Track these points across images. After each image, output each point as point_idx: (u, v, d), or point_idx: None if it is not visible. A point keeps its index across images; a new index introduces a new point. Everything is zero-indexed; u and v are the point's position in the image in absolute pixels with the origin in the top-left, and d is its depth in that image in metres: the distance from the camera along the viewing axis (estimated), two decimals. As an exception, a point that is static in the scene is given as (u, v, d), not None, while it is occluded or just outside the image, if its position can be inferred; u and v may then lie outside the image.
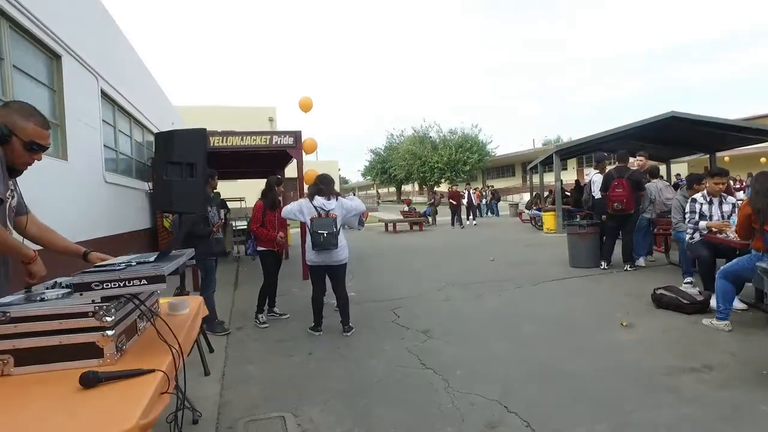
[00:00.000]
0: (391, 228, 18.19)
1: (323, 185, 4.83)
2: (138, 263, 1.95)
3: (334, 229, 4.57)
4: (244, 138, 8.19)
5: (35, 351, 1.67)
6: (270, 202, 5.42)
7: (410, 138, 45.04)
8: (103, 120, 7.68)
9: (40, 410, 1.39)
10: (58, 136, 6.01)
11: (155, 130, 10.71)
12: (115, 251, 6.42)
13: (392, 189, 58.51)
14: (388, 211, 28.59)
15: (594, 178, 8.41)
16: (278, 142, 8.32)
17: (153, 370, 1.61)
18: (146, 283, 1.75)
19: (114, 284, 1.72)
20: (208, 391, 3.44)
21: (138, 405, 1.37)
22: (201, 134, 4.03)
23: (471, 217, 19.61)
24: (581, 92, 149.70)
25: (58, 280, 2.13)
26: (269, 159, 10.23)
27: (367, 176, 57.76)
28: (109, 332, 1.71)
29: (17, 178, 2.18)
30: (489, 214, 25.57)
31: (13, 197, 2.12)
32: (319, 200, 4.72)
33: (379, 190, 61.81)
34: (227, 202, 12.51)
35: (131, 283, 1.73)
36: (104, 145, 7.68)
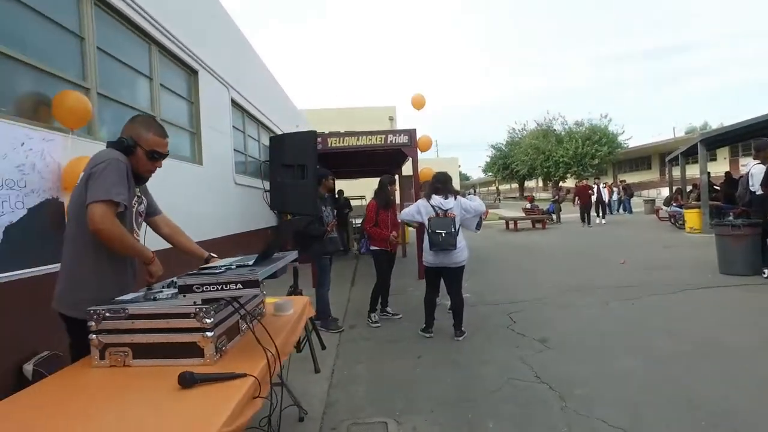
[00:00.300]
0: (511, 226, 17.47)
1: (439, 184, 4.70)
2: (238, 266, 1.99)
3: (453, 229, 4.42)
4: (360, 138, 8.37)
5: (149, 346, 1.78)
6: (383, 201, 5.43)
7: (533, 132, 42.96)
8: (233, 126, 8.37)
9: (139, 404, 1.46)
10: (195, 143, 6.66)
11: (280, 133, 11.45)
12: (245, 248, 6.91)
13: (514, 185, 56.39)
14: (509, 208, 27.57)
15: (753, 170, 7.13)
16: (393, 141, 8.36)
17: (245, 375, 1.61)
18: (241, 287, 1.77)
19: (212, 287, 1.76)
20: (317, 388, 3.51)
21: (224, 411, 1.37)
22: (311, 136, 4.18)
23: (600, 214, 17.98)
24: (732, 71, 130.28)
25: (174, 279, 2.27)
26: (386, 158, 10.36)
27: (488, 172, 56.44)
28: (209, 333, 1.76)
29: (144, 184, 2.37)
30: (620, 211, 23.35)
31: (140, 203, 2.32)
32: (436, 199, 4.60)
33: (500, 187, 59.99)
34: (350, 200, 12.99)
35: (228, 287, 1.77)
36: (234, 149, 8.37)
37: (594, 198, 17.49)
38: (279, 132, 11.76)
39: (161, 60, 5.63)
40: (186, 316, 1.76)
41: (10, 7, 3.31)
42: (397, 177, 13.62)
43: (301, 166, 3.97)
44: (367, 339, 4.82)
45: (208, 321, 1.76)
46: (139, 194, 2.31)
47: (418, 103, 8.93)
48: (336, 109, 30.97)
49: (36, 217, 3.15)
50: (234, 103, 8.47)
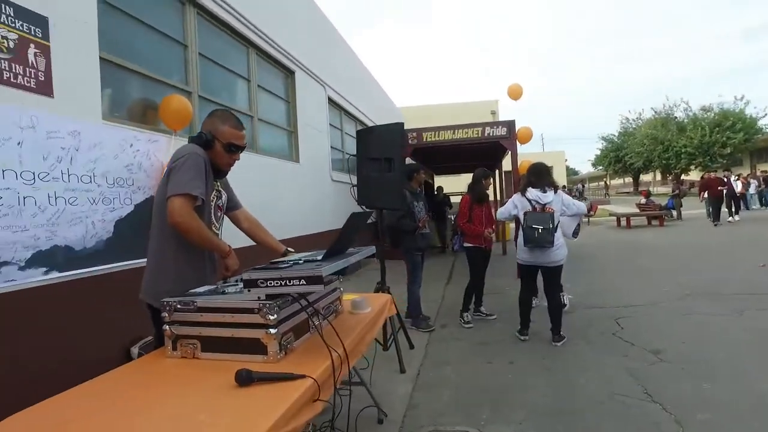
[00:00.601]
0: (624, 222, 16.01)
1: (534, 176, 4.36)
2: (306, 261, 1.92)
3: (551, 225, 4.07)
4: (456, 131, 8.12)
5: (215, 340, 1.77)
6: (477, 196, 5.17)
7: (649, 121, 39.16)
8: (330, 124, 8.56)
9: (196, 399, 1.43)
10: (292, 141, 6.90)
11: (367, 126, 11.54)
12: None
13: (628, 179, 51.91)
14: (621, 204, 25.35)
15: None
16: (491, 134, 8.00)
17: (304, 376, 1.53)
18: (305, 283, 1.68)
19: (276, 282, 1.70)
20: (400, 389, 3.39)
21: (275, 413, 1.29)
22: (398, 128, 4.05)
23: (733, 210, 15.60)
24: None
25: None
26: (485, 152, 9.98)
27: (598, 166, 52.58)
28: (272, 330, 1.70)
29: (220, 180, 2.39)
30: (759, 205, 20.36)
31: (220, 196, 2.35)
32: (533, 193, 4.27)
33: (613, 181, 55.62)
34: (449, 197, 12.75)
35: (291, 283, 1.69)
36: (331, 147, 8.56)
37: (726, 192, 15.30)
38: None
39: (259, 62, 5.87)
40: (250, 311, 1.72)
41: (122, 20, 3.60)
42: (497, 171, 13.22)
43: (387, 159, 3.86)
44: (457, 340, 4.60)
45: (271, 317, 1.70)
46: (219, 188, 2.34)
47: (515, 93, 8.45)
48: (435, 105, 30.74)
49: (141, 212, 3.39)
50: (331, 101, 8.67)
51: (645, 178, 48.56)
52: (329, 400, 1.67)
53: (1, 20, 2.52)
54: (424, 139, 8.03)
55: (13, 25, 2.59)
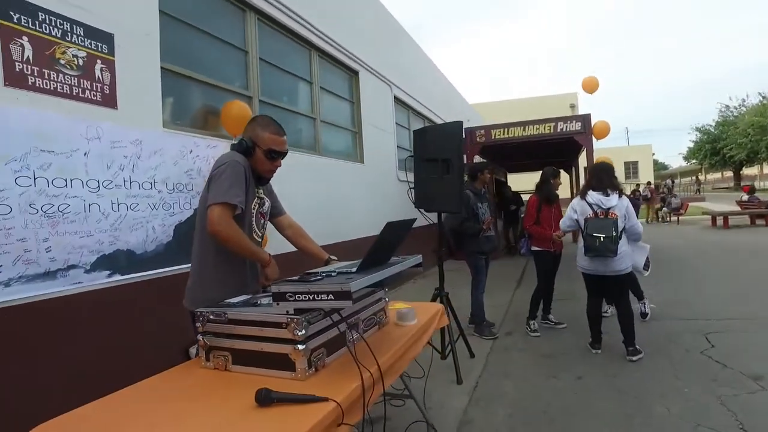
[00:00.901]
0: (720, 222, 14.54)
1: (594, 178, 4.01)
2: (339, 273, 1.83)
3: (614, 233, 3.71)
4: (527, 128, 7.76)
5: (246, 353, 1.73)
6: (544, 196, 4.87)
7: (755, 108, 35.28)
8: (396, 123, 8.48)
9: (214, 417, 1.39)
10: (356, 142, 6.90)
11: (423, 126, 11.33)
12: (406, 246, 6.87)
13: (727, 173, 47.19)
14: (717, 201, 23.08)
15: None
16: (564, 129, 7.56)
17: (326, 399, 1.44)
18: (332, 298, 1.60)
19: (304, 296, 1.63)
20: (455, 402, 3.23)
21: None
22: (456, 128, 3.86)
23: None
24: None
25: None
26: (560, 148, 9.44)
27: (691, 159, 48.33)
28: (300, 347, 1.63)
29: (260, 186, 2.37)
30: None
31: (262, 204, 2.33)
32: (594, 196, 3.92)
33: (708, 176, 50.87)
34: (521, 196, 12.25)
35: (319, 297, 1.61)
36: (398, 146, 8.47)
37: None
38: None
39: (321, 63, 5.91)
40: (278, 325, 1.66)
41: (183, 30, 3.73)
42: (573, 169, 12.48)
43: (445, 161, 3.70)
44: (522, 350, 4.34)
45: (299, 333, 1.63)
46: (261, 195, 2.32)
47: (590, 86, 7.91)
48: (509, 101, 29.80)
49: (200, 216, 3.49)
50: (397, 99, 8.59)
51: (748, 171, 43.90)
52: (355, 425, 1.57)
53: (72, 40, 2.68)
54: (493, 137, 7.75)
55: (83, 43, 2.74)
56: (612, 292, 4.00)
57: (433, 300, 3.92)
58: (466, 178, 5.05)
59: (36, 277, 2.44)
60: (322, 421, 1.36)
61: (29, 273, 2.41)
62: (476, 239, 4.80)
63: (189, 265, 3.24)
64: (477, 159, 7.97)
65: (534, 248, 4.91)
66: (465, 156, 8.31)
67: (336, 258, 2.42)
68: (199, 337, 1.81)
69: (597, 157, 7.51)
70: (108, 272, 2.80)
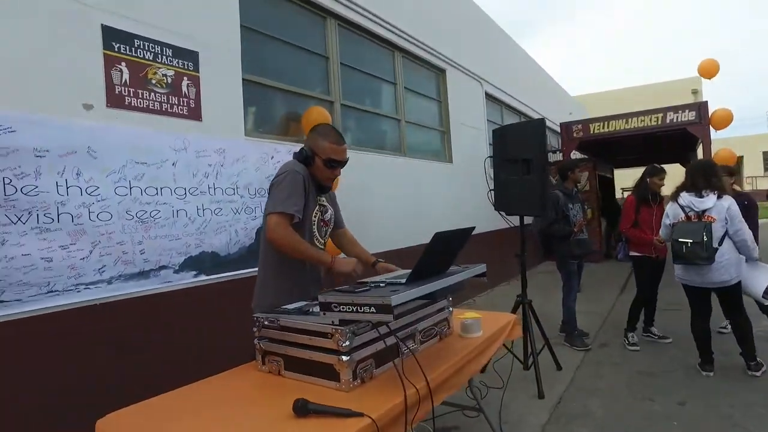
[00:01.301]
0: None
1: (688, 178, 3.55)
2: (387, 284, 1.79)
3: (705, 237, 3.24)
4: (629, 120, 7.10)
5: (296, 360, 1.76)
6: (642, 196, 4.41)
7: None
8: (488, 120, 8.21)
9: (255, 422, 1.44)
10: (444, 141, 6.79)
11: (548, 123, 10.74)
12: (496, 248, 6.66)
13: None
14: None
15: None
16: (675, 120, 6.80)
17: (361, 414, 1.41)
18: (374, 311, 1.56)
19: (347, 308, 1.62)
20: (533, 418, 3.03)
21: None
22: (535, 126, 3.64)
23: None
24: None
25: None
26: (673, 141, 8.52)
27: None
28: (344, 358, 1.62)
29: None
30: None
31: (324, 211, 2.36)
32: (686, 198, 3.47)
33: None
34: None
35: (362, 309, 1.59)
36: (489, 144, 8.20)
37: None
38: (547, 123, 11.08)
39: (405, 64, 5.89)
40: (324, 335, 1.67)
41: (264, 41, 3.92)
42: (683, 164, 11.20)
43: (525, 161, 3.50)
44: (616, 364, 3.97)
45: (344, 344, 1.62)
46: (324, 203, 2.35)
47: (708, 71, 6.99)
48: (623, 89, 27.46)
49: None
50: (488, 96, 8.32)
51: None
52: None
53: (162, 61, 2.93)
54: (592, 131, 7.19)
55: (171, 63, 2.99)
56: (724, 306, 3.51)
57: (516, 307, 3.73)
58: (555, 178, 4.75)
59: (132, 276, 2.71)
60: (355, 438, 1.33)
61: (127, 272, 2.68)
62: (567, 242, 4.49)
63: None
64: (575, 155, 7.47)
65: (632, 253, 4.47)
66: (561, 153, 7.84)
67: (383, 260, 2.38)
68: (256, 341, 1.88)
69: (720, 148, 6.65)
70: (194, 272, 3.03)
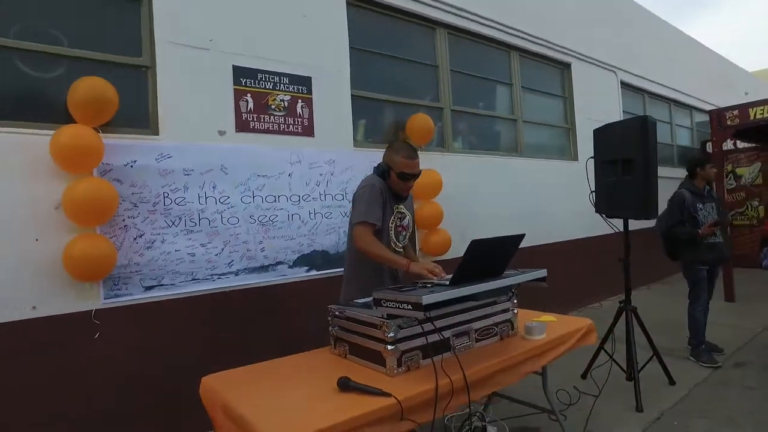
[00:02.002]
0: None
1: None
2: (435, 285, 2.01)
3: None
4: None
5: (357, 346, 2.09)
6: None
7: None
8: (624, 111, 7.61)
9: (305, 392, 1.79)
10: (569, 139, 6.54)
11: (708, 108, 9.48)
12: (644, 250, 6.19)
13: None
14: None
15: None
16: None
17: (389, 395, 1.68)
18: (410, 308, 1.81)
19: (391, 304, 1.89)
20: (620, 430, 2.94)
21: (333, 419, 1.52)
22: (638, 124, 3.45)
23: None
24: None
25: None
26: None
27: None
28: (390, 347, 1.90)
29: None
30: None
31: (402, 218, 2.65)
32: None
33: None
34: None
35: (402, 306, 1.85)
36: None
37: None
38: (708, 107, 9.78)
39: (522, 62, 5.82)
40: (374, 326, 1.96)
41: (374, 58, 4.31)
42: None
43: (627, 161, 3.37)
44: (750, 389, 3.53)
45: (389, 335, 1.90)
46: (402, 210, 2.65)
47: None
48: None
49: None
50: (625, 85, 7.71)
51: None
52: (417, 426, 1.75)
53: (280, 88, 3.50)
54: (752, 117, 6.22)
55: (288, 89, 3.54)
56: None
57: (618, 314, 3.59)
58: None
59: (254, 270, 3.31)
60: (376, 411, 1.61)
61: (250, 266, 3.30)
62: (694, 247, 4.10)
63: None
64: (729, 146, 6.53)
65: (787, 262, 3.92)
66: (710, 144, 6.88)
67: (417, 257, 2.61)
68: (330, 329, 2.25)
69: None
70: (306, 268, 3.55)
